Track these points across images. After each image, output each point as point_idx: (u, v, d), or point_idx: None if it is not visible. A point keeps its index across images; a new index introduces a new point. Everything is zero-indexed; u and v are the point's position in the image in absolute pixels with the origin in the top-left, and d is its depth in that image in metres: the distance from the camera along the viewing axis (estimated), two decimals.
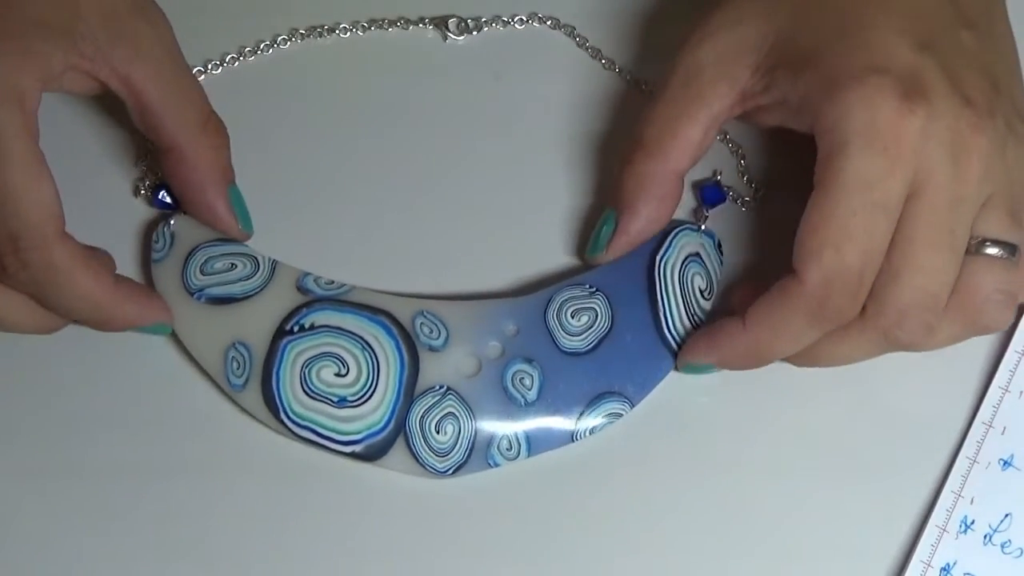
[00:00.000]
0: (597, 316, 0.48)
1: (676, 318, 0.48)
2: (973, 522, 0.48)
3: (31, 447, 0.47)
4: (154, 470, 0.47)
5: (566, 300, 0.48)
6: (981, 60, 0.45)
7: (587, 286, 0.48)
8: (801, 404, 0.49)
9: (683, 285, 0.48)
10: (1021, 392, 0.49)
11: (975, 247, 0.44)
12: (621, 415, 0.47)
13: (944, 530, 0.47)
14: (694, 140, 0.47)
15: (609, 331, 0.48)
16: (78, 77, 0.45)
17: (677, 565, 0.47)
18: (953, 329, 0.45)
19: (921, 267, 0.43)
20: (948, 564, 0.47)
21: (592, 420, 0.47)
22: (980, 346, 0.49)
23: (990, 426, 0.48)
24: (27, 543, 0.47)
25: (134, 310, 0.46)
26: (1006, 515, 0.48)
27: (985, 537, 0.47)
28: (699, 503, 0.48)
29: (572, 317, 0.48)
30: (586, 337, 0.48)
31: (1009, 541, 0.47)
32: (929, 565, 0.47)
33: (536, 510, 0.48)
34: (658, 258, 0.48)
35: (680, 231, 0.49)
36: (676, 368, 0.48)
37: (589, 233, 0.50)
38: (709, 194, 0.50)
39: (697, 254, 0.49)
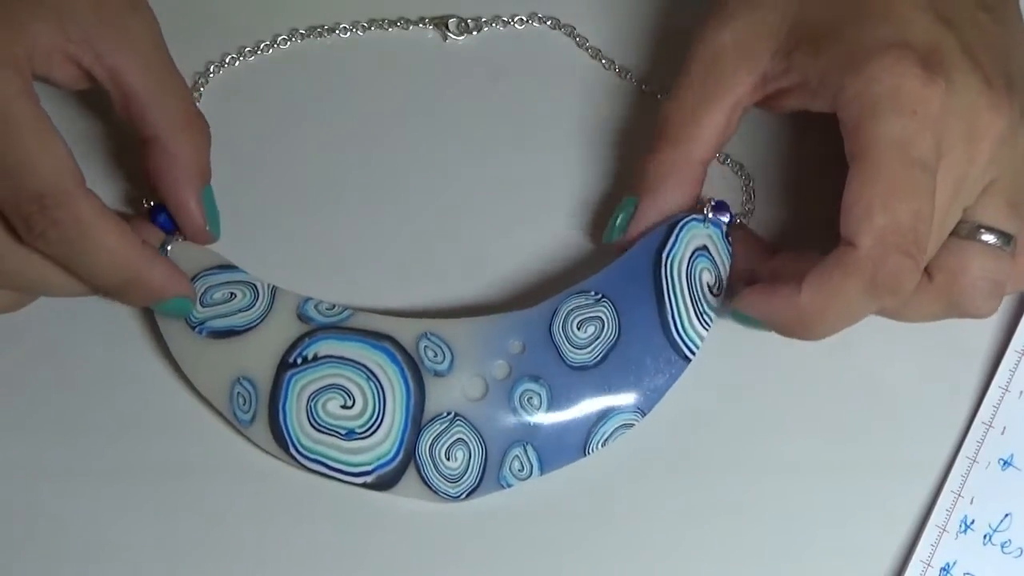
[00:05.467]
0: (604, 325, 0.46)
1: (684, 319, 0.46)
2: (973, 522, 0.47)
3: (41, 448, 0.47)
4: (162, 485, 0.47)
5: (572, 310, 0.46)
6: (998, 43, 0.44)
7: (592, 292, 0.46)
8: (802, 404, 0.48)
9: (691, 283, 0.46)
10: (1021, 392, 0.48)
11: (971, 232, 0.44)
12: (632, 425, 0.46)
13: (944, 530, 0.47)
14: (717, 127, 0.46)
15: (617, 340, 0.46)
16: (63, 63, 0.44)
17: (680, 569, 0.47)
18: (935, 308, 0.45)
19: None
20: (948, 564, 0.47)
21: (603, 433, 0.46)
22: (980, 346, 0.48)
23: (990, 426, 0.48)
24: (38, 542, 0.46)
25: (161, 275, 0.45)
26: (1006, 515, 0.47)
27: (985, 537, 0.47)
28: (703, 507, 0.47)
29: (578, 328, 0.46)
30: (593, 349, 0.46)
31: (1009, 541, 0.47)
32: (929, 565, 0.47)
33: (551, 528, 0.47)
34: (664, 255, 0.46)
35: (686, 224, 0.47)
36: (729, 309, 0.46)
37: (591, 233, 0.50)
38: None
39: (705, 247, 0.47)
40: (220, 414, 0.47)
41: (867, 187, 0.42)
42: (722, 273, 0.47)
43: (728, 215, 0.47)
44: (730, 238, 0.47)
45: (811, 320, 0.43)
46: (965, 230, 0.44)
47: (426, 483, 0.46)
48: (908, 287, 0.42)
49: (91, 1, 0.44)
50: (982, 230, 0.44)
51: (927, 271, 0.44)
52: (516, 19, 0.53)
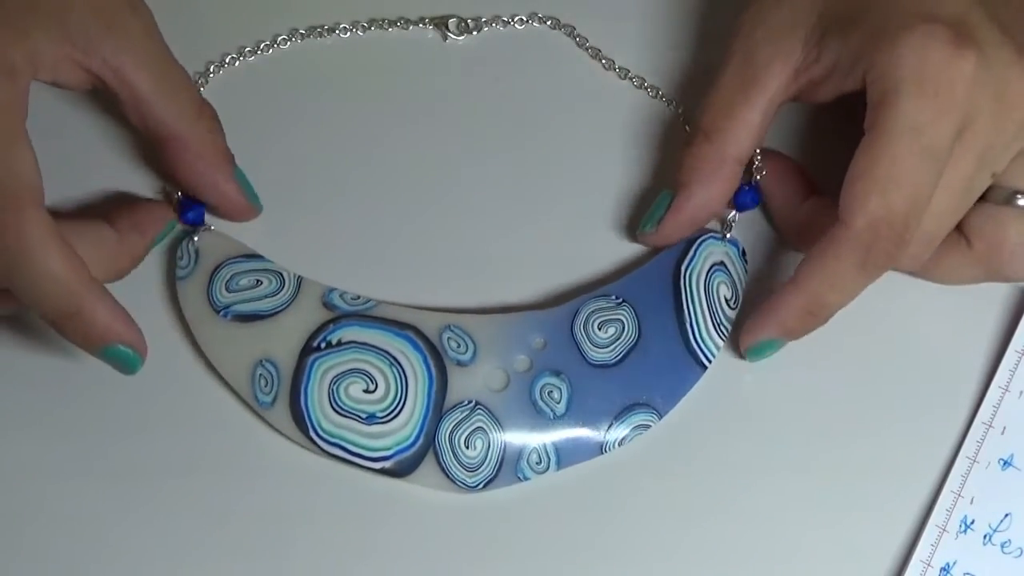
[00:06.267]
0: (624, 327, 0.47)
1: (702, 327, 0.47)
2: (973, 522, 0.47)
3: (53, 447, 0.46)
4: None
5: (592, 312, 0.47)
6: None
7: (613, 297, 0.47)
8: (802, 405, 0.48)
9: (708, 294, 0.47)
10: (1021, 392, 0.48)
11: (1007, 198, 0.44)
12: (649, 427, 0.46)
13: (944, 530, 0.47)
14: (752, 123, 0.46)
15: (636, 342, 0.47)
16: (70, 68, 0.44)
17: (682, 566, 0.47)
18: (975, 273, 0.46)
19: (927, 208, 0.43)
20: (948, 564, 0.47)
21: (620, 432, 0.46)
22: (980, 346, 0.49)
23: (990, 426, 0.48)
24: (47, 541, 0.46)
25: (105, 315, 0.42)
26: (1006, 515, 0.47)
27: (985, 537, 0.47)
28: (704, 507, 0.47)
29: (599, 329, 0.47)
30: (614, 349, 0.47)
31: (1009, 541, 0.47)
32: (929, 565, 0.47)
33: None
34: (683, 268, 0.47)
35: (705, 240, 0.48)
36: (742, 355, 0.47)
37: (593, 233, 0.50)
38: (741, 198, 0.48)
39: (722, 263, 0.48)
40: (240, 399, 0.46)
41: (870, 167, 0.42)
42: (739, 287, 0.48)
43: (754, 195, 0.48)
44: (746, 257, 0.48)
45: (815, 307, 0.44)
46: (1002, 196, 0.45)
47: (444, 471, 0.46)
48: (903, 266, 0.44)
49: (92, 8, 0.44)
50: (1019, 196, 0.45)
51: (966, 237, 0.46)
52: (516, 19, 0.53)
